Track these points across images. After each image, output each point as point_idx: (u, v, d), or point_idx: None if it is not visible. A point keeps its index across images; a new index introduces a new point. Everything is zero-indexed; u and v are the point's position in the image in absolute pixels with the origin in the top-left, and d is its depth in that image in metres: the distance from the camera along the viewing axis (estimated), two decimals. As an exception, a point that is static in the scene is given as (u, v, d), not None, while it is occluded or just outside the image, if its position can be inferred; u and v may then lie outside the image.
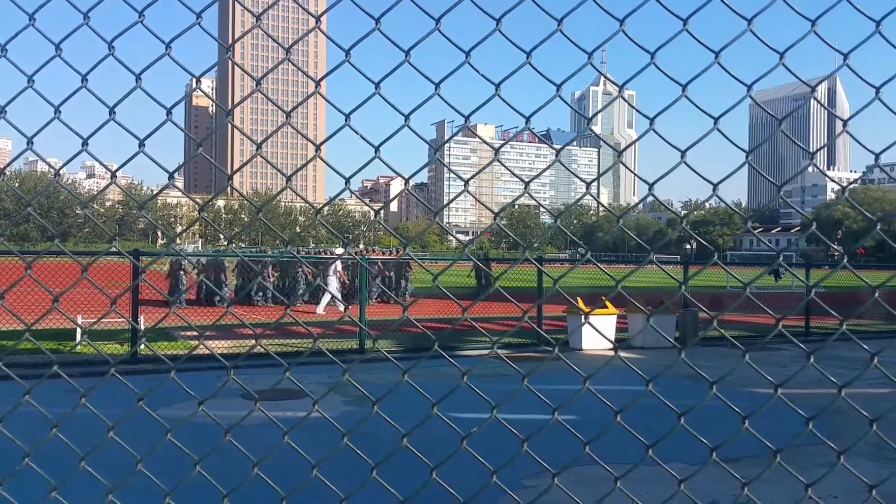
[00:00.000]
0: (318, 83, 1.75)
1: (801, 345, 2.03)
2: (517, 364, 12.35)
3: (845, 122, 1.89)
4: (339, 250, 31.06)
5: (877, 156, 2.09)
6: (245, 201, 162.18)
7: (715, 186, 1.80)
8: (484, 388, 2.07)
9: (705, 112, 1.78)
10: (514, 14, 1.93)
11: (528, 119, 1.72)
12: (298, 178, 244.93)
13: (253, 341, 13.26)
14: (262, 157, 1.75)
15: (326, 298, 21.54)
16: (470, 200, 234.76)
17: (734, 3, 1.93)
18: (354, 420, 2.24)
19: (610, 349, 13.95)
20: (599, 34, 1.98)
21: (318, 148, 1.70)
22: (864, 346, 2.06)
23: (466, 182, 1.75)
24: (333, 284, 21.47)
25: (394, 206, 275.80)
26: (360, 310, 14.14)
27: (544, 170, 1.83)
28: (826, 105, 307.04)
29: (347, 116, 1.73)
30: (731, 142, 1.81)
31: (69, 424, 2.30)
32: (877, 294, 1.89)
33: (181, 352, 12.48)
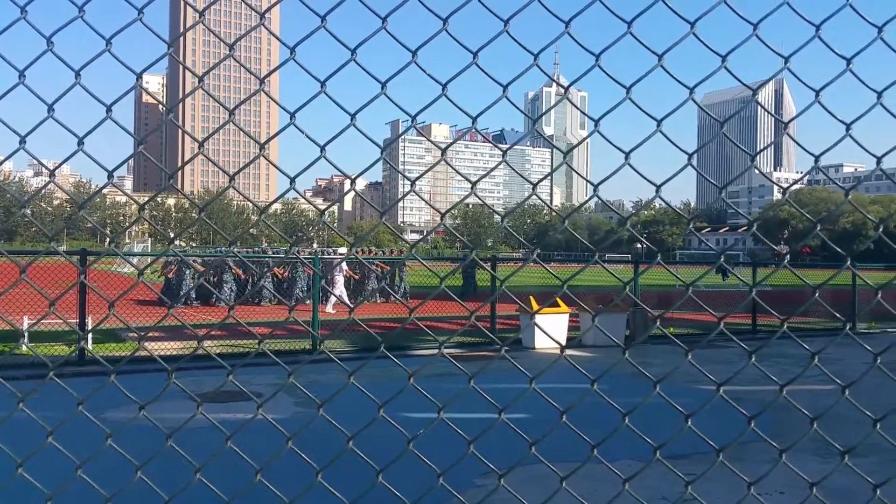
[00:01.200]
0: (262, 81, 1.72)
1: (742, 344, 2.06)
2: (472, 363, 12.38)
3: (786, 126, 1.93)
4: (343, 249, 32.00)
5: (816, 158, 2.14)
6: (195, 200, 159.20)
7: (658, 188, 1.82)
8: (436, 388, 2.07)
9: (648, 114, 1.80)
10: (465, 14, 1.93)
11: (474, 119, 1.72)
12: (250, 176, 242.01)
13: (207, 342, 13.03)
14: (204, 155, 1.72)
15: (334, 297, 21.85)
16: (424, 198, 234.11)
17: (680, 6, 1.96)
18: (305, 421, 2.22)
19: (566, 346, 14.02)
20: (553, 35, 1.99)
21: (262, 147, 1.68)
22: (805, 346, 2.11)
23: (413, 182, 1.74)
24: (340, 283, 21.97)
25: (348, 206, 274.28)
26: (313, 310, 14.01)
27: (490, 171, 1.83)
28: (773, 106, 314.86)
29: (293, 115, 1.71)
30: (675, 144, 1.84)
31: (8, 429, 2.23)
32: (816, 294, 1.94)
33: (129, 353, 12.21)
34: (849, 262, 2.11)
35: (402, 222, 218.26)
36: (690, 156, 1.80)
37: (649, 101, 1.87)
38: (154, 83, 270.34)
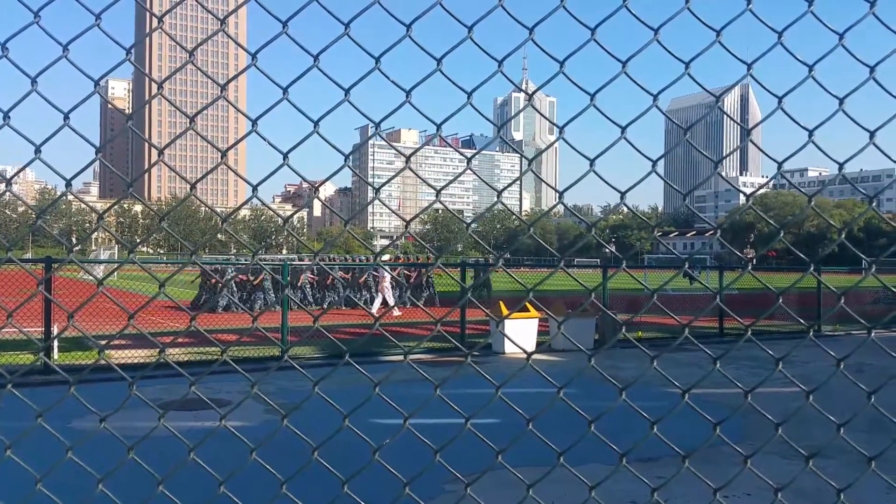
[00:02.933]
0: (223, 87, 1.70)
1: (707, 350, 2.08)
2: (444, 368, 12.37)
3: (748, 132, 1.95)
4: (387, 257, 34.30)
5: (779, 164, 2.17)
6: (166, 206, 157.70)
7: (622, 195, 1.83)
8: (408, 394, 2.05)
9: (612, 121, 1.81)
10: (434, 20, 1.92)
11: (438, 126, 1.71)
12: (217, 182, 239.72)
13: (176, 349, 12.84)
14: (164, 163, 1.69)
15: (379, 300, 23.44)
16: (394, 204, 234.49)
17: (644, 14, 1.97)
18: (273, 430, 2.20)
19: (532, 352, 14.10)
20: (524, 40, 1.99)
21: (223, 154, 1.65)
22: (769, 352, 2.13)
23: (377, 190, 1.72)
24: (387, 288, 23.55)
25: (317, 211, 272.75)
26: (283, 316, 13.89)
27: (454, 179, 1.82)
28: (739, 111, 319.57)
29: (254, 122, 1.69)
30: (639, 151, 1.85)
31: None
32: (780, 301, 1.96)
33: (101, 361, 11.97)
34: (812, 268, 2.13)
35: (373, 228, 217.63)
36: (655, 162, 1.81)
37: (624, 106, 1.89)
38: (120, 89, 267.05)
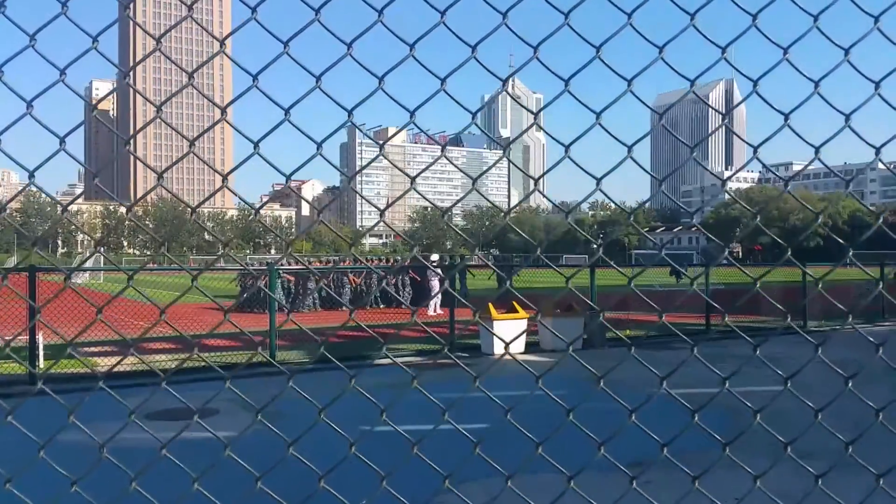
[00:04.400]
0: (223, 110, 1.67)
1: (686, 338, 2.07)
2: (431, 371, 12.34)
3: (724, 115, 1.94)
4: (435, 257, 35.32)
5: (755, 148, 2.16)
6: (152, 207, 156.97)
7: (598, 181, 1.83)
8: (400, 397, 2.03)
9: (586, 106, 1.81)
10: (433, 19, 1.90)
11: (412, 113, 1.70)
12: (205, 182, 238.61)
13: (162, 356, 12.75)
14: (163, 187, 1.66)
15: (436, 300, 23.97)
16: (382, 204, 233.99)
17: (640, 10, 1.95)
18: (263, 438, 2.17)
19: (521, 353, 14.19)
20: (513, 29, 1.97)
21: (224, 179, 1.63)
22: (747, 338, 2.12)
23: (341, 191, 1.71)
24: (436, 287, 24.27)
25: (306, 211, 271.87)
26: (270, 320, 13.82)
27: (426, 168, 1.81)
28: (724, 105, 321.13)
29: (256, 144, 1.66)
30: (612, 136, 1.84)
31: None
32: (757, 286, 1.95)
33: (81, 370, 11.87)
34: (789, 253, 2.12)
35: (361, 226, 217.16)
36: (630, 147, 1.80)
37: (612, 100, 1.87)
38: (105, 89, 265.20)
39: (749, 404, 2.07)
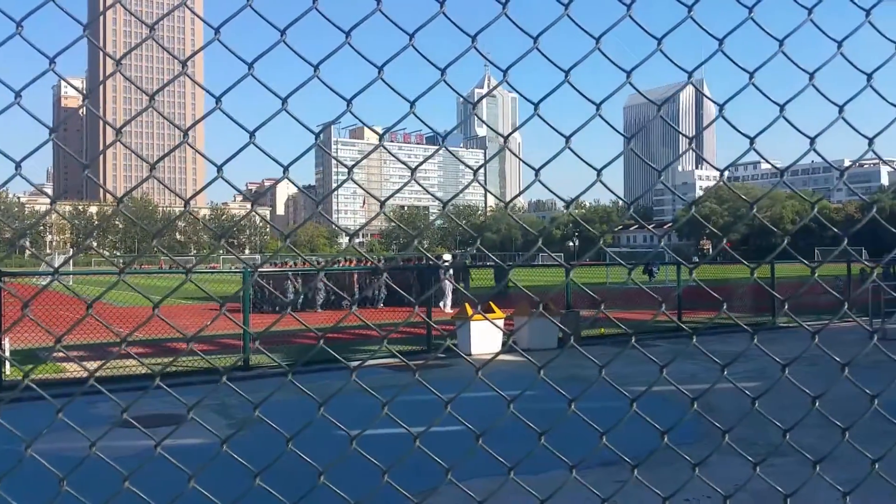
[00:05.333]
0: (185, 133, 1.66)
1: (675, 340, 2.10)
2: (405, 372, 12.33)
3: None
4: (448, 256, 36.32)
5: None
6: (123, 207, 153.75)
7: (537, 171, 1.85)
8: (372, 401, 2.03)
9: (527, 99, 1.84)
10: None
11: (349, 102, 1.71)
12: (175, 181, 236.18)
13: (131, 360, 12.59)
14: (156, 178, 1.65)
15: (448, 298, 25.14)
16: (358, 203, 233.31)
17: (584, 21, 1.98)
18: (235, 445, 2.15)
19: (497, 353, 14.13)
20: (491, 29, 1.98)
21: (186, 204, 1.63)
22: (719, 329, 2.16)
23: (339, 184, 1.71)
24: (449, 286, 24.88)
25: (280, 210, 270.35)
26: (244, 320, 13.71)
27: (420, 164, 1.81)
28: (694, 106, 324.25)
29: (220, 168, 1.66)
30: (552, 127, 1.86)
31: None
32: (692, 275, 1.98)
33: (49, 375, 11.67)
34: (724, 241, 2.17)
35: (337, 226, 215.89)
36: (568, 138, 1.83)
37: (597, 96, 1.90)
38: (75, 85, 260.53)
39: (686, 392, 2.11)
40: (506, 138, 1.97)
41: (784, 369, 2.05)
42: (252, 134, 1.66)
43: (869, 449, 2.20)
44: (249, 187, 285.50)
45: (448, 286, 24.95)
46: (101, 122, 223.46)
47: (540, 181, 1.89)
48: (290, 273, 26.05)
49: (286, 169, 1.73)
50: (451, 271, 24.75)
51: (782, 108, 2.04)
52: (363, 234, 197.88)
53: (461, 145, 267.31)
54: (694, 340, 2.27)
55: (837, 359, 2.12)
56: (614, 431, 2.18)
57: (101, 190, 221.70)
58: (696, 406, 2.02)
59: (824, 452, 2.31)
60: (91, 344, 13.76)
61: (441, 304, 25.19)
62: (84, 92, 2.01)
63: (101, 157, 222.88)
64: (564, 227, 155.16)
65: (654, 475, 2.29)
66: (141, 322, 1.76)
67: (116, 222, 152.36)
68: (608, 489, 2.25)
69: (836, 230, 2.38)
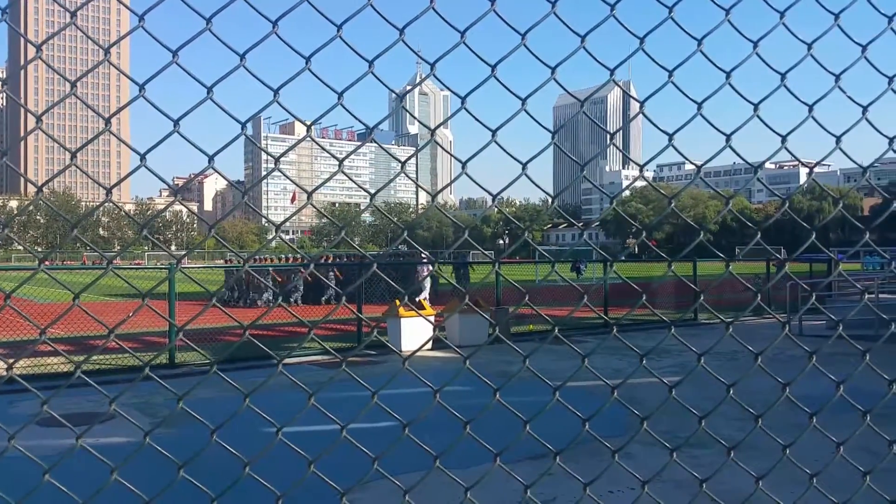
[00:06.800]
0: (107, 120, 1.62)
1: (578, 349, 2.15)
2: (336, 370, 12.23)
3: (700, 105, 2.02)
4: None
5: (728, 136, 2.27)
6: (47, 203, 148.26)
7: (464, 164, 1.88)
8: (302, 399, 2.02)
9: (454, 92, 1.86)
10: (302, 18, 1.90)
11: (276, 92, 1.70)
12: (99, 174, 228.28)
13: (55, 359, 12.15)
14: (77, 167, 1.60)
15: (424, 295, 25.03)
16: (288, 198, 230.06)
17: (512, 19, 2.01)
18: (160, 439, 2.10)
19: (428, 350, 14.29)
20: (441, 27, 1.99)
21: (108, 192, 1.58)
22: (635, 349, 2.22)
23: (245, 192, 1.70)
24: (427, 283, 25.84)
25: (209, 206, 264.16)
26: (169, 313, 13.38)
27: (411, 156, 1.81)
28: (622, 103, 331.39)
29: (143, 157, 1.63)
30: (478, 119, 1.89)
31: None
32: (611, 264, 2.05)
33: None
34: (644, 235, 2.24)
35: (267, 222, 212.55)
36: (495, 132, 1.86)
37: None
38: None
39: (606, 381, 2.17)
40: (433, 131, 1.99)
41: (700, 358, 2.14)
42: (176, 123, 1.63)
43: (784, 438, 2.30)
44: (176, 182, 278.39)
45: (426, 278, 25.66)
46: (22, 111, 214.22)
47: (467, 174, 1.91)
48: (270, 269, 26.17)
49: (211, 158, 1.70)
50: (429, 268, 25.11)
51: (700, 105, 2.11)
52: (294, 232, 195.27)
53: (393, 142, 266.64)
54: (614, 332, 2.33)
55: (751, 348, 2.22)
56: (542, 424, 2.23)
57: (22, 180, 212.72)
58: (615, 394, 2.08)
59: (742, 442, 2.40)
60: (10, 341, 13.34)
61: (418, 300, 25.45)
62: (2, 78, 1.93)
63: (23, 146, 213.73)
64: (495, 225, 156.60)
65: (580, 466, 2.35)
66: (61, 313, 1.70)
67: (38, 217, 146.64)
68: (538, 482, 2.29)
69: (750, 224, 2.48)
